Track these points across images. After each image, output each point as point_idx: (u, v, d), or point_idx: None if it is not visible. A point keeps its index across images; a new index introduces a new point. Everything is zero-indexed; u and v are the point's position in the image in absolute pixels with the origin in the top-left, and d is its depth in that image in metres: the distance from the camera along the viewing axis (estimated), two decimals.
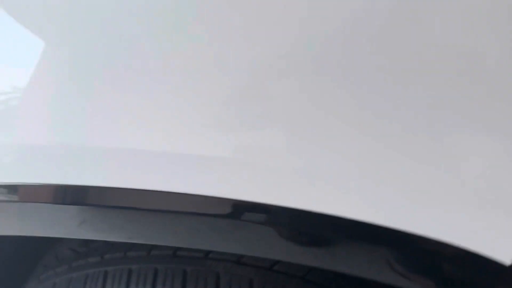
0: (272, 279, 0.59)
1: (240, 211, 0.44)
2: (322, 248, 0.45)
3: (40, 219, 0.53)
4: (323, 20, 0.42)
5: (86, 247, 0.72)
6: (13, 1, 0.52)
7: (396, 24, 0.40)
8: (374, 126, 0.40)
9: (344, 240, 0.43)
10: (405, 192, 0.39)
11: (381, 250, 0.42)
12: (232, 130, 0.43)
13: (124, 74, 0.46)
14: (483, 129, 0.38)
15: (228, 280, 0.59)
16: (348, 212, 0.40)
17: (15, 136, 0.50)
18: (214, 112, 0.44)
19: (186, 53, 0.45)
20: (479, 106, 0.38)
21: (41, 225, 0.55)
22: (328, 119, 0.41)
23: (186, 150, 0.44)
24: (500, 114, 0.37)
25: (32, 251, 0.83)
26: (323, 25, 0.42)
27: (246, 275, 0.59)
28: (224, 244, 0.49)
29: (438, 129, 0.38)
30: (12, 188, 0.50)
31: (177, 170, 0.44)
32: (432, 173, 0.38)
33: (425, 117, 0.39)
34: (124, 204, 0.47)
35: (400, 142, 0.39)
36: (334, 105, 0.41)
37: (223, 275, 0.59)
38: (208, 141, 0.43)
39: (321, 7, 0.42)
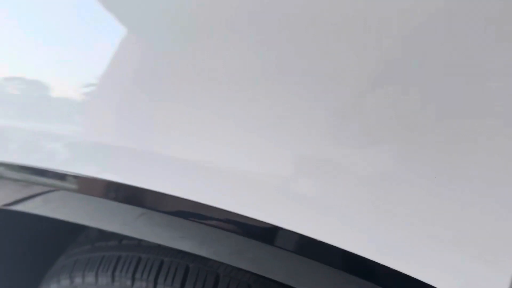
0: None
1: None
2: None
3: (100, 209, 0.56)
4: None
5: None
6: None
7: None
8: None
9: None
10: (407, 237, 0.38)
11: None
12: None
13: (199, 87, 0.44)
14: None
15: (226, 282, 0.58)
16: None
17: (86, 131, 0.52)
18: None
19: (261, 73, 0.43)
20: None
21: (100, 215, 0.58)
22: None
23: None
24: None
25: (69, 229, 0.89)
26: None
27: (245, 281, 0.58)
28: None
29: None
30: (75, 178, 0.52)
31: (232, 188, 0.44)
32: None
33: None
34: (179, 213, 0.48)
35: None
36: None
37: (223, 277, 0.59)
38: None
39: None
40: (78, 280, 0.69)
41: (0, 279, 0.91)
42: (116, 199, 0.50)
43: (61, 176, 0.52)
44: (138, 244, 0.67)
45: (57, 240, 0.90)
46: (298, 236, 0.41)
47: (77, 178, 0.51)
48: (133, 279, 0.63)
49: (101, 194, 0.51)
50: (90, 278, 0.67)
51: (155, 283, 0.61)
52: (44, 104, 0.53)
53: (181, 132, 0.45)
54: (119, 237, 0.71)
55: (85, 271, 0.68)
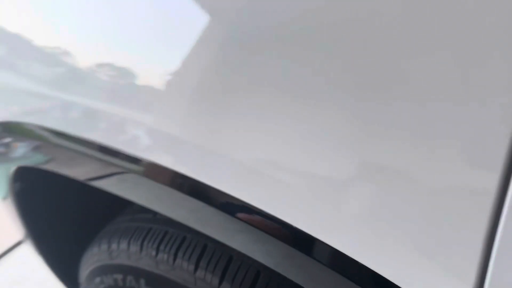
0: (278, 277, 0.57)
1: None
2: None
3: (169, 196, 0.57)
4: None
5: None
6: None
7: None
8: None
9: None
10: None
11: None
12: None
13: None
14: None
15: (237, 265, 0.60)
16: None
17: (165, 122, 0.53)
18: None
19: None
20: None
21: (168, 202, 0.59)
22: None
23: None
24: None
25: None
26: None
27: (255, 267, 0.59)
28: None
29: None
30: (148, 165, 0.55)
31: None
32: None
33: None
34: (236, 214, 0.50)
35: None
36: None
37: (235, 260, 0.60)
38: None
39: None
40: (114, 245, 0.75)
41: (63, 240, 1.02)
42: (183, 190, 0.53)
43: (137, 161, 0.55)
44: (169, 220, 0.71)
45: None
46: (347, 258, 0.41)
47: (151, 164, 0.54)
48: (157, 250, 0.67)
49: (170, 184, 0.54)
50: (123, 245, 0.73)
51: (175, 257, 0.64)
52: (130, 91, 0.56)
53: (250, 137, 0.45)
54: (154, 212, 0.76)
55: (120, 238, 0.74)
